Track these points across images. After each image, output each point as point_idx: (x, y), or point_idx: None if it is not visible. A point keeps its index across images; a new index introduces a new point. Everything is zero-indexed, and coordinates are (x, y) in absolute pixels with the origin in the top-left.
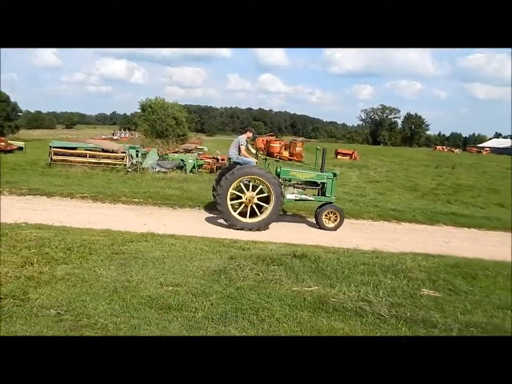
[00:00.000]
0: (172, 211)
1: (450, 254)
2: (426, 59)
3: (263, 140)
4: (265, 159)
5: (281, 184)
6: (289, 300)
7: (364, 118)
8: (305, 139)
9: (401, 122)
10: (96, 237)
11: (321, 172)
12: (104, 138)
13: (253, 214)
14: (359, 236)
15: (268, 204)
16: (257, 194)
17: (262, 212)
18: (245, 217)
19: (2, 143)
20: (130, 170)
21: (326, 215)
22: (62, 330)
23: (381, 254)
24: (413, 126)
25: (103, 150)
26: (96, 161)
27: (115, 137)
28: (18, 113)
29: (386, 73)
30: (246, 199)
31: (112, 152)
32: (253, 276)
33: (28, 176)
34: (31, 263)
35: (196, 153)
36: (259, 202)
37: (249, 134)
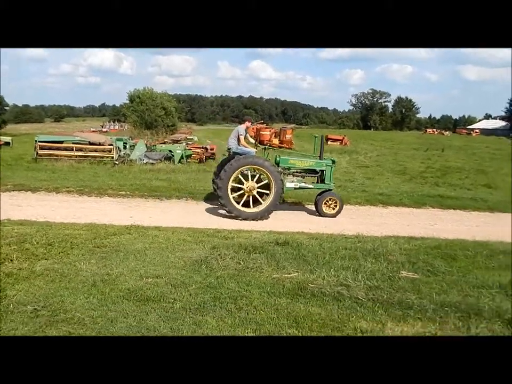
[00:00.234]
0: (158, 202)
1: (433, 236)
2: None
3: (253, 128)
4: (265, 149)
5: (281, 173)
6: (269, 287)
7: (354, 103)
8: (296, 126)
9: (392, 106)
10: (79, 231)
11: (320, 159)
12: (93, 131)
13: (254, 203)
14: (345, 221)
15: (269, 191)
16: (257, 183)
17: (264, 200)
18: (248, 207)
19: None
20: (117, 162)
21: (325, 203)
22: (37, 326)
23: (363, 239)
24: (404, 110)
25: (90, 143)
26: (83, 154)
27: (104, 129)
28: (5, 108)
29: (377, 57)
30: (247, 189)
31: (99, 144)
32: (234, 264)
33: (13, 171)
34: (11, 260)
35: (184, 143)
36: (260, 190)
37: (248, 124)
